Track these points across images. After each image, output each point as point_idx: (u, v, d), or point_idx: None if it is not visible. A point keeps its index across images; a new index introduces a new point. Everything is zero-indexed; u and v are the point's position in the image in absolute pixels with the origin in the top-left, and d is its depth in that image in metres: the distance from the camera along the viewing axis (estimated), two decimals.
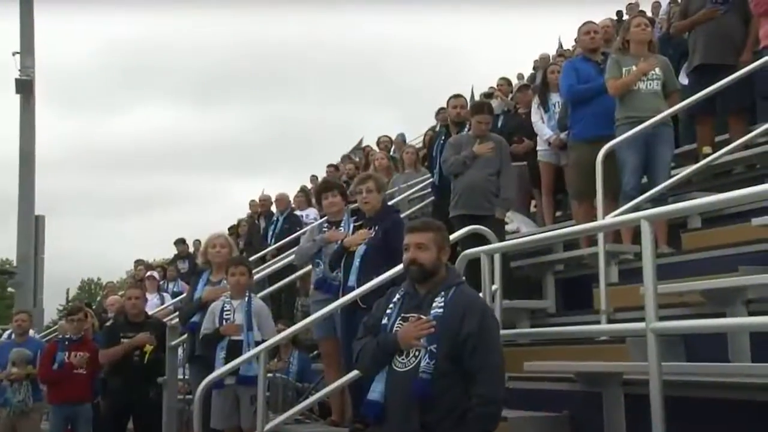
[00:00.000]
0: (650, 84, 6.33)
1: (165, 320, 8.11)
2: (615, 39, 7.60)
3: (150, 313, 8.53)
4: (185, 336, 6.86)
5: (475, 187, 6.78)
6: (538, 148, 8.26)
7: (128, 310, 7.63)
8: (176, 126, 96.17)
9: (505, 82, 11.97)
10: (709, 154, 6.62)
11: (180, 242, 14.63)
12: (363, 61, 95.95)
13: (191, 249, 14.47)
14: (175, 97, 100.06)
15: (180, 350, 7.46)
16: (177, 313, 8.15)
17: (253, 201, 14.57)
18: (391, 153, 12.64)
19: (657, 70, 6.34)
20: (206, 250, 6.70)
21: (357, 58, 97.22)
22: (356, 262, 5.63)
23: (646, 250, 3.61)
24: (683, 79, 7.64)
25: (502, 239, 6.19)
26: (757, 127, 6.64)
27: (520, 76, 16.54)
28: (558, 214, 8.53)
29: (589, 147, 6.55)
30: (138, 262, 14.71)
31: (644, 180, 6.28)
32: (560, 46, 18.20)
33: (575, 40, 8.07)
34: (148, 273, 12.61)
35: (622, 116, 6.31)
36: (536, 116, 8.27)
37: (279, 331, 6.20)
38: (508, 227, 7.43)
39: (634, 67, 6.32)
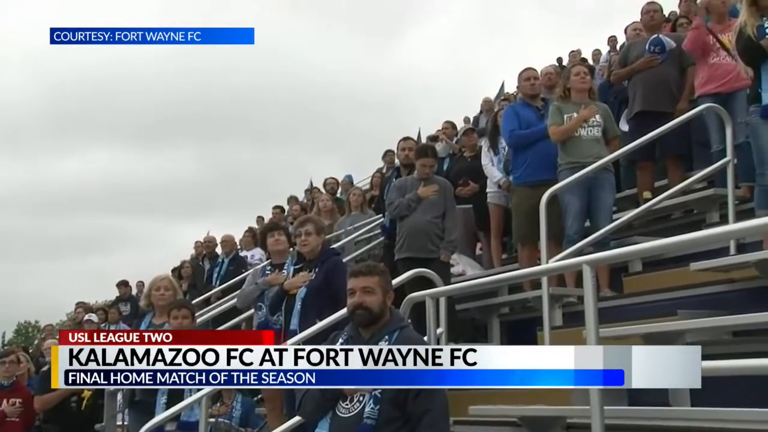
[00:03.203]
0: (591, 130, 6.46)
1: None
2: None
3: None
4: None
5: (420, 230, 6.78)
6: (488, 190, 8.32)
7: None
8: (119, 167, 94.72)
9: (450, 125, 12.12)
10: (649, 199, 6.78)
11: (122, 284, 14.34)
12: (310, 103, 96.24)
13: (134, 291, 14.18)
14: (118, 137, 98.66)
15: (119, 395, 7.25)
16: None
17: (198, 242, 14.39)
18: (338, 195, 12.63)
19: (597, 117, 6.49)
20: (150, 292, 6.55)
21: (304, 100, 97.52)
22: (297, 305, 5.62)
23: (587, 295, 3.65)
24: (624, 126, 7.81)
25: (447, 282, 6.20)
26: (694, 174, 6.83)
27: (466, 120, 16.76)
28: (504, 256, 8.59)
29: (530, 191, 6.65)
30: (79, 305, 14.34)
31: (587, 224, 6.38)
32: (502, 90, 18.46)
33: (517, 86, 8.22)
34: (87, 316, 12.27)
35: (564, 162, 6.43)
36: (486, 159, 8.35)
37: None
38: (453, 270, 7.45)
39: (575, 114, 6.45)
